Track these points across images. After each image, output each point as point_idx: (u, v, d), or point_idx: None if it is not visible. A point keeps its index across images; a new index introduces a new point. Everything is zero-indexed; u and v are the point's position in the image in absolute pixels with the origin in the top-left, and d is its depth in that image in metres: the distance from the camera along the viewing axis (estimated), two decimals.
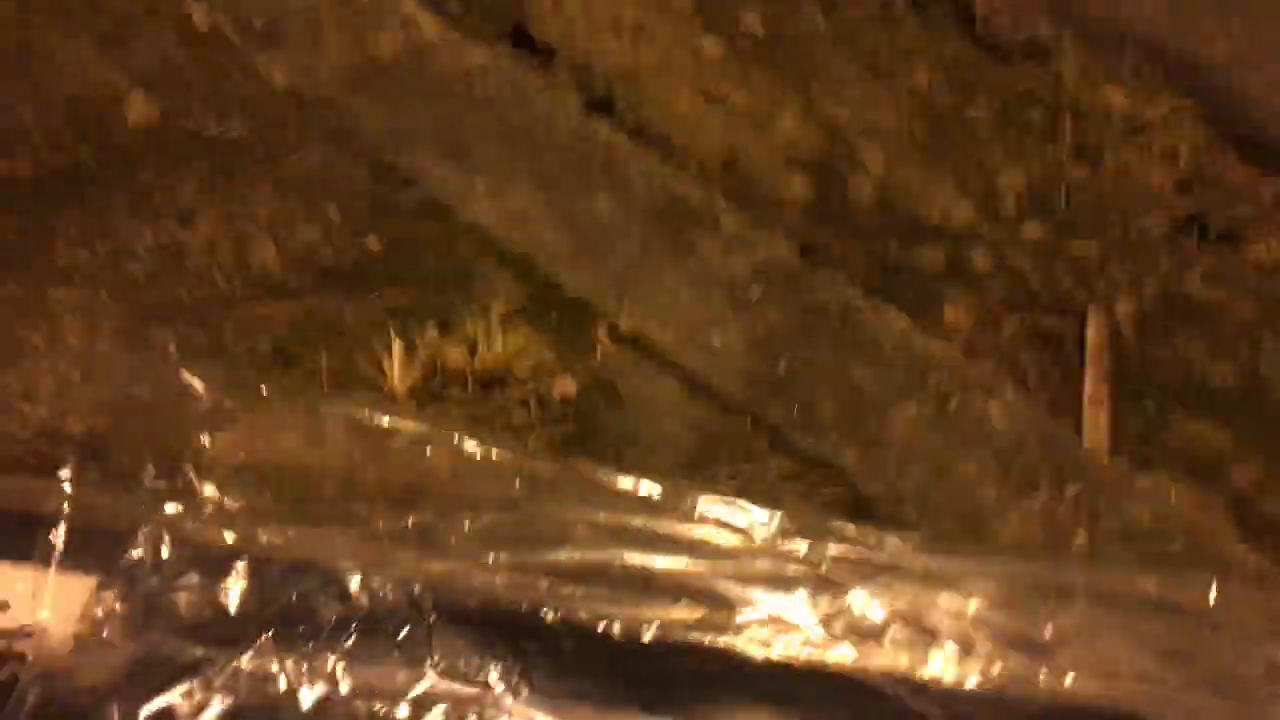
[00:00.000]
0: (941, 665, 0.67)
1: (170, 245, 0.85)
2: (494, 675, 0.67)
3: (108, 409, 0.79)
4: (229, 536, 0.71)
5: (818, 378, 0.83)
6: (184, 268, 0.84)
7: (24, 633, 0.65)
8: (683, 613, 0.69)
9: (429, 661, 0.67)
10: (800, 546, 0.73)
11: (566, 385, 0.83)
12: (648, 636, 0.68)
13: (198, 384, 0.76)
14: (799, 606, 0.70)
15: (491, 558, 0.73)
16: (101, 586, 0.67)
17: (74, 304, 0.82)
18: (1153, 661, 0.68)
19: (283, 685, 0.66)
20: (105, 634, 0.66)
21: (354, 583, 0.69)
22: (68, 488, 0.71)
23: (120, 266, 0.84)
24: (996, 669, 0.67)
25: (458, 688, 0.67)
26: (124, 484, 0.73)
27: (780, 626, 0.69)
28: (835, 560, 0.72)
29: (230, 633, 0.67)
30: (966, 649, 0.69)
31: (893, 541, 0.73)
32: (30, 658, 0.65)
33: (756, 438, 0.81)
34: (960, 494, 0.78)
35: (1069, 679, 0.67)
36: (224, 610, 0.68)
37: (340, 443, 0.78)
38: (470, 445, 0.76)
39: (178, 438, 0.76)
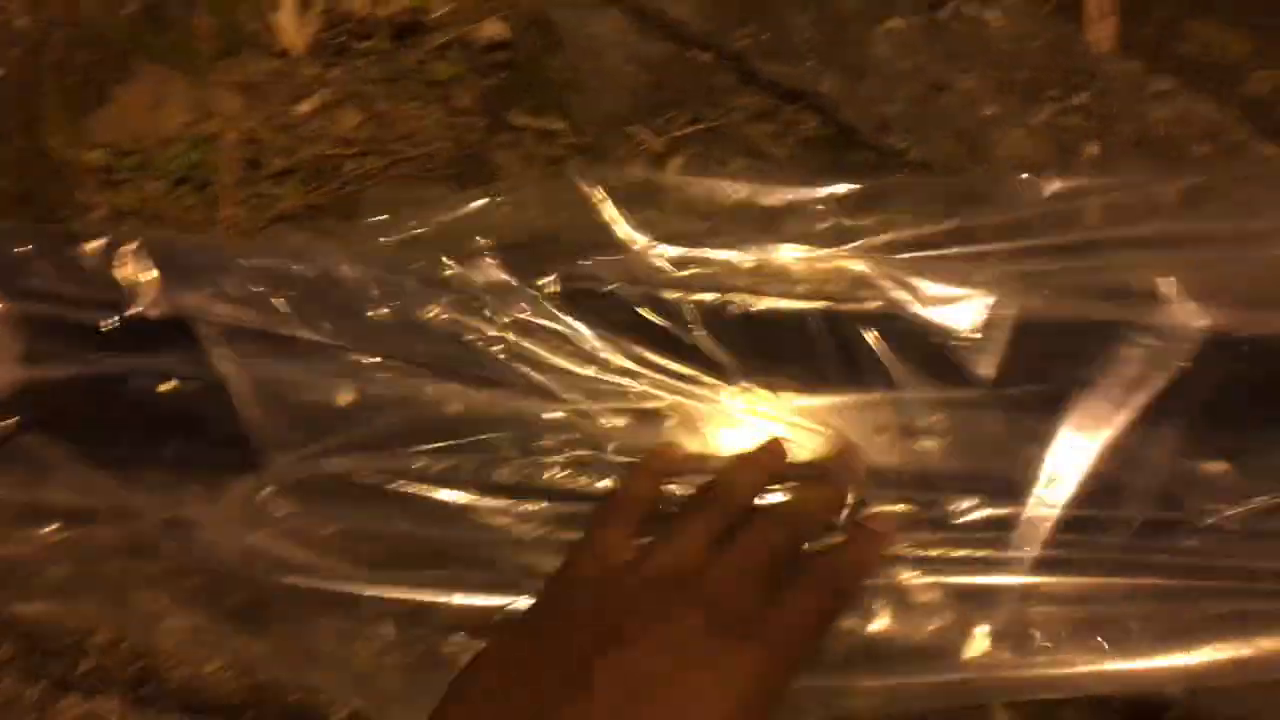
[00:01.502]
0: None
1: None
2: None
3: None
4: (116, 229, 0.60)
5: None
6: None
7: None
8: None
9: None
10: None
11: (494, 27, 0.71)
12: None
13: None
14: None
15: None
16: None
17: None
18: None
19: None
20: None
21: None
22: None
23: None
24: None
25: None
26: None
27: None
28: None
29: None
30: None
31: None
32: None
33: (720, 73, 0.70)
34: (956, 113, 0.68)
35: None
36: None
37: (238, 113, 0.67)
38: (384, 106, 0.65)
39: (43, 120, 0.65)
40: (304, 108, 0.68)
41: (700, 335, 0.55)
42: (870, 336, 0.56)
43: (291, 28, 0.69)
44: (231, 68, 0.69)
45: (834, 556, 0.49)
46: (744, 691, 0.40)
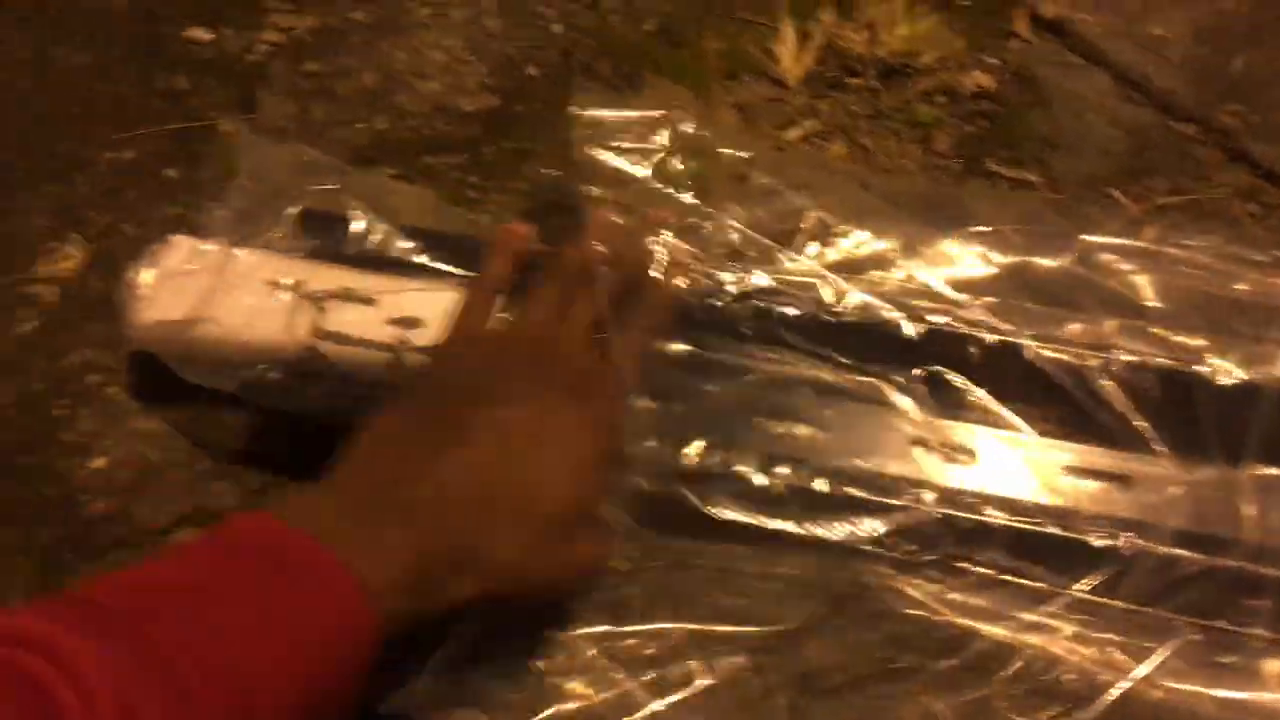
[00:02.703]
0: None
1: None
2: None
3: (496, 88, 0.77)
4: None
5: None
6: None
7: None
8: None
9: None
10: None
11: (979, 78, 0.74)
12: None
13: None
14: None
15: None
16: None
17: None
18: None
19: None
20: None
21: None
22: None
23: None
24: None
25: None
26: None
27: None
28: None
29: None
30: None
31: None
32: None
33: (1203, 147, 0.71)
34: None
35: None
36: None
37: (734, 132, 0.74)
38: (867, 141, 0.70)
39: (570, 116, 0.74)
40: (793, 134, 0.74)
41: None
42: None
43: (790, 58, 0.76)
44: (731, 89, 0.75)
45: (642, 305, 0.56)
46: (596, 434, 0.50)
